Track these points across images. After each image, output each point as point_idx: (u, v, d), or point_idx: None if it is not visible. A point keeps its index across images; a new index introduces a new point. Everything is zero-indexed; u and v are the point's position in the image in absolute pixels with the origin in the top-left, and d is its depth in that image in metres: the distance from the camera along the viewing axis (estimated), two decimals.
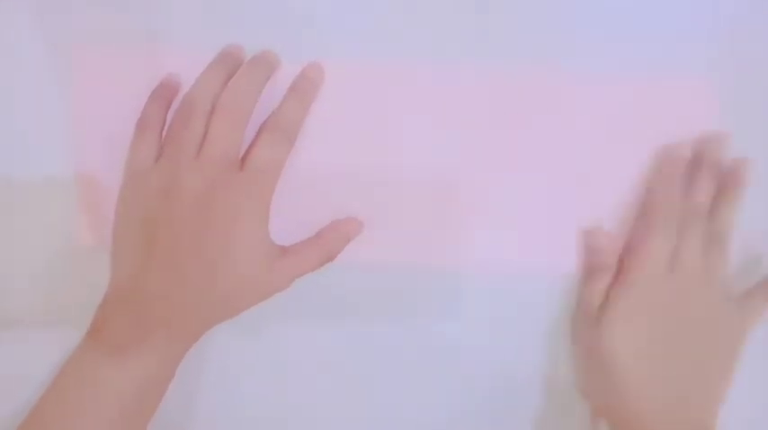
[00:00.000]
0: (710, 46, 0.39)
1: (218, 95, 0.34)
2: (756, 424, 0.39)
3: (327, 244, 0.36)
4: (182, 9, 0.37)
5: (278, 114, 0.35)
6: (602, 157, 0.38)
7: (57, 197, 0.37)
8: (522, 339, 0.39)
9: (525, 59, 0.38)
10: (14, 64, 0.37)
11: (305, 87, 0.37)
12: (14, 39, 0.37)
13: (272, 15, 0.38)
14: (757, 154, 0.38)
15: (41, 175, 0.37)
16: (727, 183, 0.37)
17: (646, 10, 0.38)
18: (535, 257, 0.39)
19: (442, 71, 0.38)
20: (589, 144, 0.38)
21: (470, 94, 0.38)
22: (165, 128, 0.35)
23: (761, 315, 0.37)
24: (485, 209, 0.38)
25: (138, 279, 0.33)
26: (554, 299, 0.39)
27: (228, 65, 0.36)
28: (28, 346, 0.38)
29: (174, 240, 0.32)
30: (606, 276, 0.37)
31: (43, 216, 0.38)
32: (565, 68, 0.38)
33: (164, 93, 0.36)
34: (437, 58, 0.38)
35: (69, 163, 0.37)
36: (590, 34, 0.38)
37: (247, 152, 0.34)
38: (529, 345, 0.39)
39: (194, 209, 0.32)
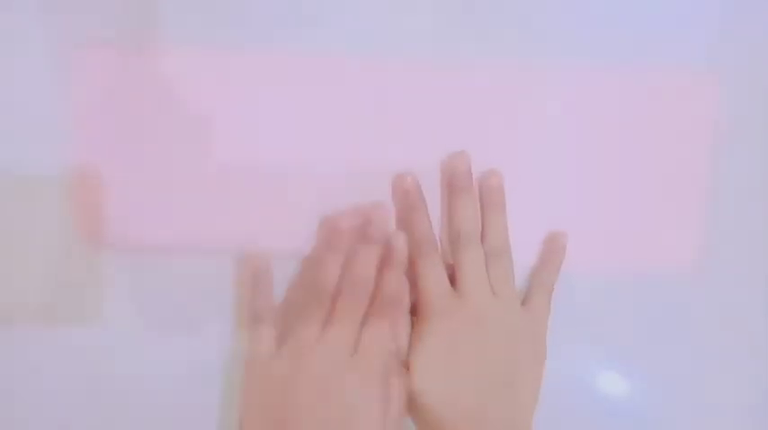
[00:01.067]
0: (710, 37, 0.38)
1: (337, 279, 0.35)
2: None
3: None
4: (182, 7, 0.37)
5: (383, 291, 0.36)
6: (598, 153, 0.38)
7: (54, 194, 0.37)
8: None
9: (521, 53, 0.38)
10: (13, 60, 0.37)
11: (401, 257, 0.36)
12: (14, 35, 0.37)
13: (272, 14, 0.38)
14: (757, 146, 0.38)
15: (39, 173, 0.37)
16: (488, 196, 0.38)
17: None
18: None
19: (431, 69, 0.38)
20: (584, 139, 0.38)
21: (462, 89, 0.38)
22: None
23: (547, 310, 0.38)
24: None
25: None
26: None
27: (338, 246, 0.36)
28: (26, 345, 0.38)
29: (299, 425, 0.33)
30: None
31: (40, 213, 0.37)
32: (558, 64, 0.38)
33: (264, 280, 0.37)
34: (427, 54, 0.38)
35: (67, 160, 0.37)
36: (585, 28, 0.38)
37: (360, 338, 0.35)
38: None
39: (315, 394, 0.34)
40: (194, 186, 0.37)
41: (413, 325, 0.36)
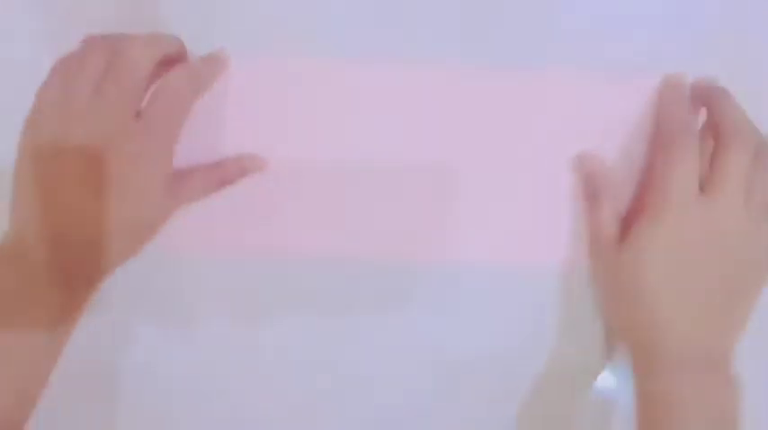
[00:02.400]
0: (695, 45, 0.39)
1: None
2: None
3: (223, 172, 0.37)
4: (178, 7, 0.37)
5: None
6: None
7: None
8: (515, 334, 0.39)
9: (516, 58, 0.38)
10: (12, 55, 0.37)
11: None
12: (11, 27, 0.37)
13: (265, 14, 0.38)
14: None
15: None
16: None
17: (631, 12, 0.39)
18: (525, 254, 0.39)
19: (429, 71, 0.38)
20: (579, 142, 0.38)
21: (461, 93, 0.38)
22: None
23: None
24: (476, 205, 0.39)
25: (23, 232, 0.32)
26: (543, 294, 0.39)
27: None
28: None
29: (63, 180, 0.32)
30: (610, 199, 0.37)
31: None
32: (550, 68, 0.38)
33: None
34: (424, 57, 0.38)
35: None
36: (575, 34, 0.38)
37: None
38: (521, 340, 0.39)
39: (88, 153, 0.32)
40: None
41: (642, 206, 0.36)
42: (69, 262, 0.33)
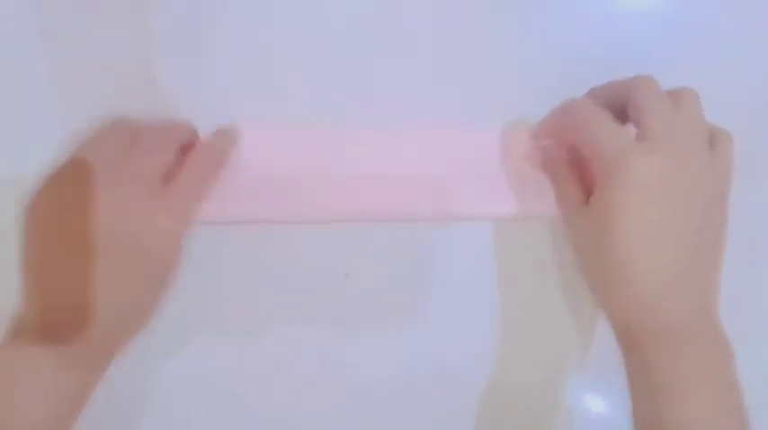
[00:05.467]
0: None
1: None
2: None
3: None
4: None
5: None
6: None
7: None
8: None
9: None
10: (13, 52, 0.37)
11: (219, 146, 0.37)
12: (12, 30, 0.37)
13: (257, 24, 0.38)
14: None
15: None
16: None
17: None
18: None
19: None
20: None
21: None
22: None
23: (732, 165, 0.35)
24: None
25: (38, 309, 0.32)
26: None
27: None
28: None
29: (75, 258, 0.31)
30: (564, 164, 0.37)
31: None
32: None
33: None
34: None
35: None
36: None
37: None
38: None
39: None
40: None
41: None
42: (86, 340, 0.32)
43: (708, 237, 0.34)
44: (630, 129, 0.34)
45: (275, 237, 0.38)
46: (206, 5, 0.39)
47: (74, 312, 0.31)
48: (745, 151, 0.35)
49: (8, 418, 0.31)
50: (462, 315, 0.39)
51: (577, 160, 0.38)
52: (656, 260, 0.32)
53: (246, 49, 0.39)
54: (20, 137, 0.38)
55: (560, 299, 0.40)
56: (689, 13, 0.41)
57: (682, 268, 0.33)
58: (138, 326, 0.34)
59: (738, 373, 0.32)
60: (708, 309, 0.33)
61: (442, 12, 0.39)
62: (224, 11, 0.39)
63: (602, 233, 0.33)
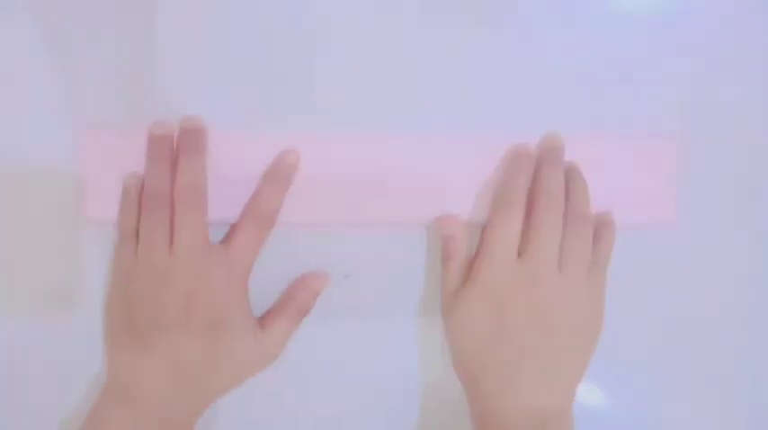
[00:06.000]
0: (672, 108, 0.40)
1: (172, 183, 0.36)
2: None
3: (299, 304, 0.38)
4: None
5: (256, 200, 0.37)
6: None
7: (58, 177, 0.38)
8: None
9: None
10: (13, 44, 0.37)
11: (281, 173, 0.38)
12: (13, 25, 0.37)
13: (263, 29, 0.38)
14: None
15: (42, 155, 0.38)
16: (572, 170, 0.38)
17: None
18: None
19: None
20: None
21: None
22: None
23: (604, 285, 0.37)
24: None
25: (136, 378, 0.35)
26: None
27: (165, 149, 0.37)
28: (32, 330, 0.38)
29: (166, 337, 0.34)
30: (457, 262, 0.37)
31: (44, 197, 0.38)
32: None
33: (128, 199, 0.37)
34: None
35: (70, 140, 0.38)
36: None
37: (229, 237, 0.37)
38: None
39: (184, 297, 0.34)
40: None
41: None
42: (172, 407, 0.35)
43: (568, 351, 0.36)
44: None
45: (275, 237, 0.38)
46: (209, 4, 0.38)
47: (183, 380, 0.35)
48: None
49: None
50: None
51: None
52: (496, 366, 0.36)
53: (248, 51, 0.38)
54: (22, 131, 0.38)
55: None
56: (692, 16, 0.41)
57: (517, 369, 0.35)
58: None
59: None
60: (554, 406, 0.36)
61: (439, 17, 0.39)
62: (227, 11, 0.38)
63: (453, 330, 0.37)
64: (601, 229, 0.38)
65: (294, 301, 0.38)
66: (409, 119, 0.39)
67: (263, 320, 0.37)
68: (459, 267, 0.37)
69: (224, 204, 0.37)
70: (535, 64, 0.39)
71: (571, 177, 0.38)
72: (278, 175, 0.37)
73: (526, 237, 0.36)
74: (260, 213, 0.37)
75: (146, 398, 0.34)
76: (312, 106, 0.38)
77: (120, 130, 0.38)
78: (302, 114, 0.38)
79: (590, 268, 0.37)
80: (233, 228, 0.37)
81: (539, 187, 0.37)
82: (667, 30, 0.40)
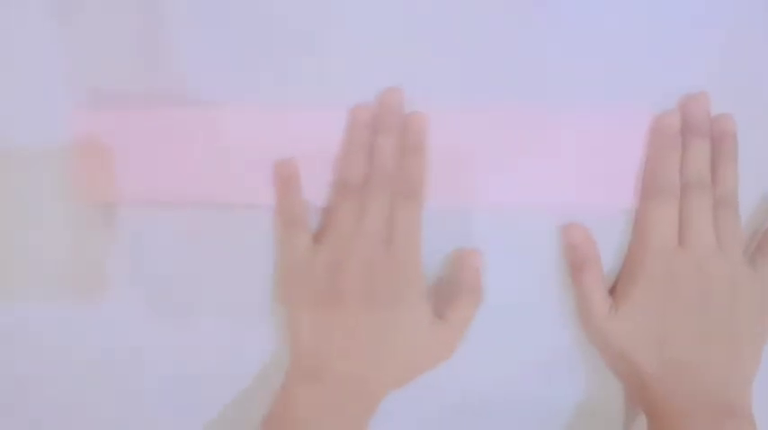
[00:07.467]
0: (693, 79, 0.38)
1: (363, 170, 0.37)
2: None
3: (469, 285, 0.37)
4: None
5: (403, 176, 0.37)
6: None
7: (56, 161, 0.38)
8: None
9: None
10: (13, 22, 0.38)
11: (416, 141, 0.37)
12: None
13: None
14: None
15: (39, 140, 0.38)
16: (720, 142, 0.36)
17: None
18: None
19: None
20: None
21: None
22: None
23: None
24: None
25: (321, 357, 0.35)
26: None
27: (358, 139, 0.37)
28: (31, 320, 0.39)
29: (347, 316, 0.35)
30: (591, 272, 0.36)
31: (44, 181, 0.38)
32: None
33: (294, 184, 0.38)
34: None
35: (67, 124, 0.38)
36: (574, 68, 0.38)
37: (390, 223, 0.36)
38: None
39: (361, 278, 0.35)
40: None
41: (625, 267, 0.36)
42: (358, 386, 0.35)
43: (738, 343, 0.35)
44: None
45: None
46: None
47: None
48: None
49: None
50: None
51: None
52: (676, 373, 0.34)
53: (256, 31, 0.38)
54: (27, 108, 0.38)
55: (564, 294, 0.39)
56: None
57: (694, 364, 0.34)
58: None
59: None
60: (735, 394, 0.34)
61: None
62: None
63: (626, 336, 0.35)
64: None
65: (463, 284, 0.37)
66: (431, 92, 0.38)
67: (443, 316, 0.36)
68: (597, 276, 0.37)
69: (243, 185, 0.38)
70: (560, 35, 0.38)
71: (719, 152, 0.36)
72: (412, 146, 0.37)
73: (684, 224, 0.35)
74: (409, 190, 0.37)
75: (331, 378, 0.35)
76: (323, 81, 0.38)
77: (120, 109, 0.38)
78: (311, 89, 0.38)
79: (745, 250, 0.36)
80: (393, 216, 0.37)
81: (687, 167, 0.36)
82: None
